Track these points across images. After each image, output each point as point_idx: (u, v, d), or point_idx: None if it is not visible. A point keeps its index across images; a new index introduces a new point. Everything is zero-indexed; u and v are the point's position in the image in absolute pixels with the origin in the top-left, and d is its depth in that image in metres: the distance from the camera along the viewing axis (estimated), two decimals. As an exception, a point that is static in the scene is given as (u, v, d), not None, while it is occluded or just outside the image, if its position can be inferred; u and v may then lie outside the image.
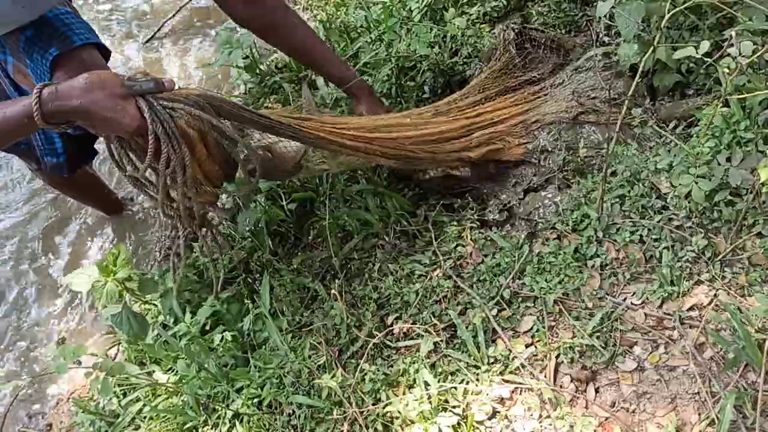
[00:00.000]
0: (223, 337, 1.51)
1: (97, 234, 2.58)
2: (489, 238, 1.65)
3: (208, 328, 1.76)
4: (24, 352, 2.30)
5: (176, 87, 1.28)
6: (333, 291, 1.57)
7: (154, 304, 1.89)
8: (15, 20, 1.30)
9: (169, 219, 1.50)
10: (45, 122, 1.18)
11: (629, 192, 1.54)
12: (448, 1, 2.10)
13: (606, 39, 1.93)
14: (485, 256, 1.61)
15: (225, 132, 1.32)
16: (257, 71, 2.29)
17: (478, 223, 1.69)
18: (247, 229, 1.83)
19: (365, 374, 1.43)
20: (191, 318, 1.51)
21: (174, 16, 3.07)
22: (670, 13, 1.29)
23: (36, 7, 1.29)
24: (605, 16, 1.73)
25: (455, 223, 1.70)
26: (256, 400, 1.55)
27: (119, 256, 1.71)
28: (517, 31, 1.94)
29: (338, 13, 2.27)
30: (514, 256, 1.56)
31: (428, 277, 1.59)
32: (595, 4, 1.96)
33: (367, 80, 2.06)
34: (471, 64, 2.01)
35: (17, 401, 2.27)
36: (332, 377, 1.31)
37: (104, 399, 1.88)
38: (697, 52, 1.20)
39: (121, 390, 1.85)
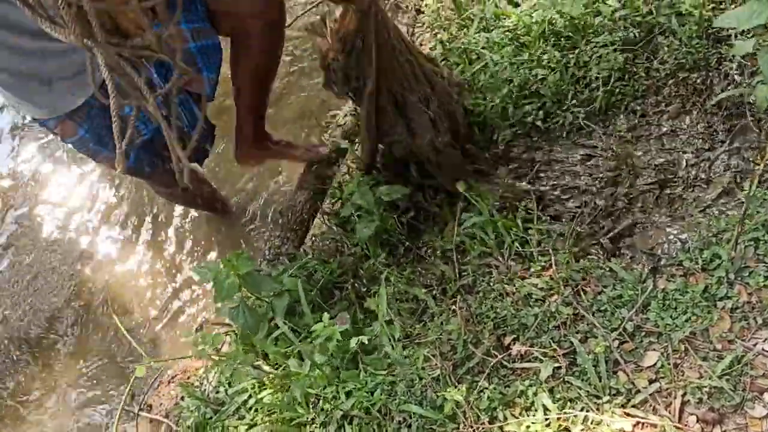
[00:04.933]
0: (359, 340, 1.56)
1: (204, 231, 2.70)
2: (609, 269, 1.65)
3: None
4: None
5: None
6: (453, 307, 1.59)
7: (266, 301, 1.95)
8: None
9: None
10: None
11: (765, 236, 1.51)
12: (573, 28, 2.11)
13: (737, 78, 1.90)
14: (604, 286, 1.61)
15: None
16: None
17: (602, 253, 1.69)
18: (366, 236, 1.88)
19: (482, 391, 1.45)
20: (328, 320, 1.56)
21: None
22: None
23: None
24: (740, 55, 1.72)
25: (576, 249, 1.70)
26: (365, 404, 1.59)
27: (242, 254, 1.79)
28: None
29: (459, 33, 2.31)
30: (637, 290, 1.55)
31: (546, 302, 1.60)
32: (728, 42, 1.94)
33: (482, 105, 2.10)
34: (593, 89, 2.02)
35: (118, 379, 2.41)
36: (458, 392, 1.34)
37: (210, 386, 1.97)
38: None
39: (226, 380, 1.93)
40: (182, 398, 2.13)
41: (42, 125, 1.84)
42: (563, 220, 1.88)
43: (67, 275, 2.65)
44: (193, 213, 2.74)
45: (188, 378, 2.21)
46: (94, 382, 2.38)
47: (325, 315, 1.58)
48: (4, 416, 2.34)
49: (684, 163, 1.90)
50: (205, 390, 1.95)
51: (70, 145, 1.92)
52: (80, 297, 2.59)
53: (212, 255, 2.60)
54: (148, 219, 2.77)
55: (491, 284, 1.69)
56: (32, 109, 1.76)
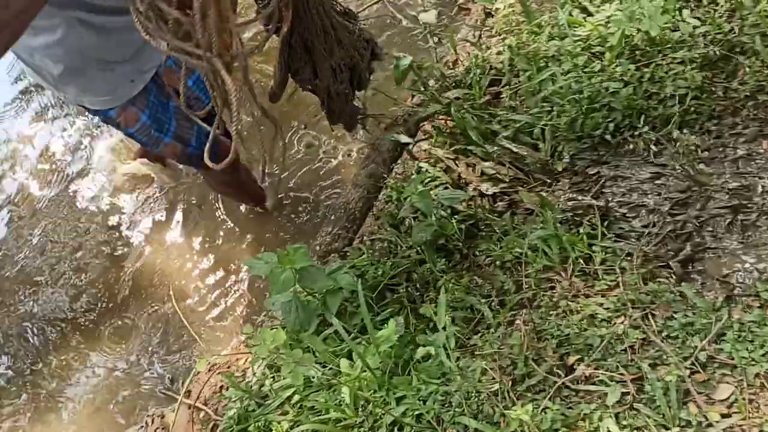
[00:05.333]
0: (427, 351, 1.52)
1: (251, 225, 2.68)
2: (679, 293, 1.59)
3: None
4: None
5: None
6: (516, 321, 1.55)
7: (317, 298, 1.93)
8: None
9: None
10: None
11: None
12: (650, 42, 2.05)
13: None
14: (675, 312, 1.55)
15: None
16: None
17: (672, 277, 1.63)
18: (423, 240, 1.84)
19: (544, 411, 1.40)
20: (394, 327, 1.53)
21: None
22: None
23: None
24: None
25: (643, 270, 1.65)
26: (417, 411, 1.55)
27: (300, 248, 1.77)
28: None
29: (529, 40, 2.26)
30: (711, 318, 1.49)
31: (612, 323, 1.54)
32: (816, 67, 1.86)
33: (550, 119, 2.05)
34: (667, 106, 1.96)
35: (160, 363, 2.40)
36: (524, 410, 1.29)
37: (254, 378, 1.95)
38: None
39: (270, 373, 1.91)
40: (222, 387, 2.13)
41: (104, 119, 1.86)
42: (629, 239, 1.82)
43: (109, 261, 2.65)
44: (221, 206, 2.74)
45: (228, 367, 2.20)
46: (134, 364, 2.38)
47: (391, 322, 1.54)
48: (40, 394, 2.34)
49: (759, 189, 1.83)
50: (249, 382, 1.94)
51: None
52: (123, 281, 2.59)
53: (255, 250, 2.58)
54: (190, 209, 2.75)
55: (554, 300, 1.64)
56: (94, 98, 1.76)
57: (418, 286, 1.91)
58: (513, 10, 2.38)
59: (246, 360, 2.15)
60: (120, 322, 2.44)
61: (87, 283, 2.57)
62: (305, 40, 1.89)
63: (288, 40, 1.85)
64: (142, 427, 2.20)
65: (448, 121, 2.31)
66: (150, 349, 2.37)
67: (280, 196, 2.72)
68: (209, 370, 2.26)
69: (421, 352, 1.53)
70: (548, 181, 2.05)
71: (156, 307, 2.45)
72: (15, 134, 3.16)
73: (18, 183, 2.98)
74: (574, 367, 1.48)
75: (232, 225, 2.66)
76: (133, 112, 1.80)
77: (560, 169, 2.05)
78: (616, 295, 1.61)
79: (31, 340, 2.43)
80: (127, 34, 1.65)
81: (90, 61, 1.66)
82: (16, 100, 3.25)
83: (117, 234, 2.72)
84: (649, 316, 1.56)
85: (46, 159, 3.04)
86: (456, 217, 1.99)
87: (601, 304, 1.60)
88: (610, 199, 1.94)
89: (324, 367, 1.78)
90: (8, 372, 2.37)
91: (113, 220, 2.75)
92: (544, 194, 1.97)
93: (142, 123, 1.82)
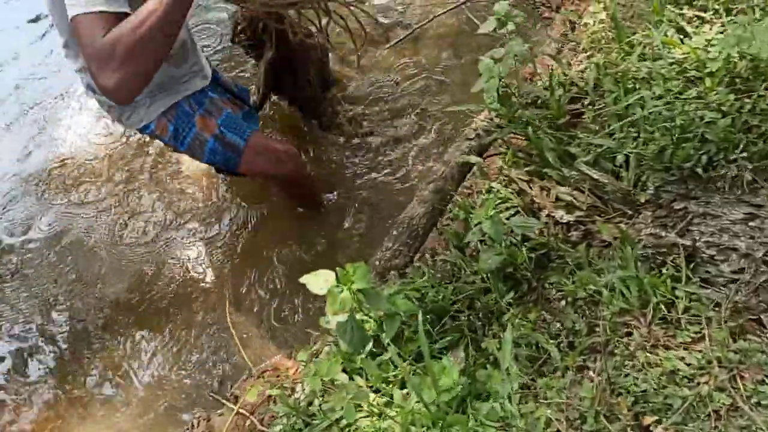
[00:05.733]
0: (492, 407, 1.43)
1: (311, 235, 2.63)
2: (772, 355, 1.43)
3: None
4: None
5: None
6: (589, 367, 1.43)
7: (373, 319, 1.85)
8: None
9: None
10: None
11: None
12: (753, 70, 1.87)
13: None
14: (767, 376, 1.40)
15: None
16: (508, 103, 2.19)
17: (765, 334, 1.48)
18: (490, 268, 1.74)
19: (614, 475, 1.29)
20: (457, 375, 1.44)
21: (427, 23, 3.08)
22: None
23: None
24: None
25: (732, 324, 1.50)
26: (472, 456, 1.46)
27: (360, 267, 1.69)
28: None
29: (618, 59, 2.11)
30: (809, 388, 1.34)
31: (696, 383, 1.41)
32: None
33: (635, 146, 1.90)
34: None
35: (209, 365, 2.38)
36: (594, 477, 1.19)
37: (302, 395, 1.90)
38: None
39: (320, 391, 1.84)
40: (269, 397, 2.08)
41: (149, 133, 2.17)
42: (717, 285, 1.67)
43: (162, 261, 2.64)
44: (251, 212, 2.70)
45: (278, 377, 2.16)
46: (182, 365, 2.36)
47: (454, 369, 1.45)
48: (85, 392, 2.34)
49: None
50: (298, 398, 1.88)
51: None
52: (175, 283, 2.57)
53: (313, 262, 2.51)
54: (247, 214, 2.71)
55: (630, 349, 1.51)
56: (144, 116, 2.10)
57: (480, 315, 1.81)
58: (603, 27, 2.23)
59: (297, 370, 2.11)
60: (171, 323, 2.41)
61: (139, 283, 2.56)
62: (289, 60, 2.40)
63: (272, 63, 2.35)
64: (187, 428, 2.18)
65: (522, 140, 2.19)
66: (199, 351, 2.34)
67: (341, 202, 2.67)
68: (258, 377, 2.23)
69: (486, 407, 1.42)
70: (629, 212, 1.91)
71: (208, 311, 2.42)
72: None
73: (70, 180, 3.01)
74: (651, 429, 1.35)
75: (290, 234, 2.62)
76: (164, 123, 2.10)
77: (643, 201, 1.90)
78: (700, 350, 1.47)
79: (77, 338, 2.43)
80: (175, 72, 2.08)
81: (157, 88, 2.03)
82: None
83: (170, 235, 2.71)
84: (738, 378, 1.41)
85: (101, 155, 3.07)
86: (526, 244, 1.87)
87: (683, 359, 1.47)
88: (697, 238, 1.79)
89: (376, 392, 1.71)
90: (54, 369, 2.38)
91: (167, 220, 2.75)
92: (623, 227, 1.84)
93: (170, 133, 2.11)
